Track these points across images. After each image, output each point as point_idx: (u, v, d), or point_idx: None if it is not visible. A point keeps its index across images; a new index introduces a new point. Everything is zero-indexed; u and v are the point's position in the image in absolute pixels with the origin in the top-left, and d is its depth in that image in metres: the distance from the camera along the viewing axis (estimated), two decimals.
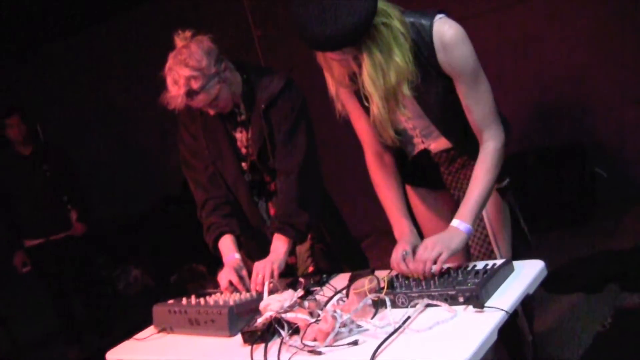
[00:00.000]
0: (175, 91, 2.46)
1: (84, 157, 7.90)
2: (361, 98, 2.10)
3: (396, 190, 2.37)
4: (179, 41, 2.53)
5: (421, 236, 2.59)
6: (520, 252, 2.42)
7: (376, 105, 2.05)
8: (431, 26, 2.09)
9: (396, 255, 2.14)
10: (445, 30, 2.08)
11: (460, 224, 2.13)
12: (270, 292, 2.39)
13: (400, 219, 2.31)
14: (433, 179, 2.50)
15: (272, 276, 2.47)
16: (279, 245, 2.59)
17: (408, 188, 2.61)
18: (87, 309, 5.62)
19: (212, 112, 2.61)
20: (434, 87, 2.15)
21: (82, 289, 5.57)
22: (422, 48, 2.09)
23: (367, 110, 2.13)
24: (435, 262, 2.03)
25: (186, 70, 2.43)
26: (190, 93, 2.46)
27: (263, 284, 2.44)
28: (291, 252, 2.82)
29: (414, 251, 2.15)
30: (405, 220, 2.31)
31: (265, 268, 2.48)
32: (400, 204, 2.35)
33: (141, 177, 7.88)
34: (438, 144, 2.38)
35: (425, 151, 2.41)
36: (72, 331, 5.55)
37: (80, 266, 5.50)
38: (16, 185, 5.27)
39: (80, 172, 5.66)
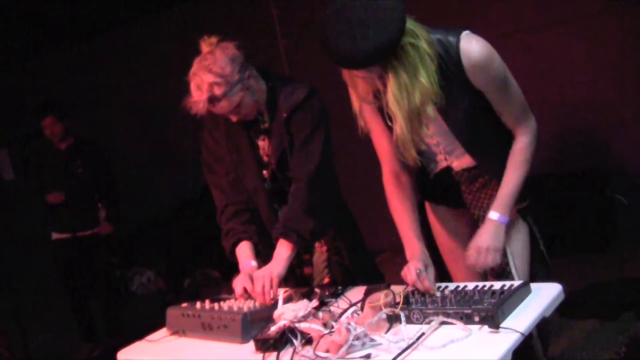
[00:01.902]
0: (197, 96, 2.46)
1: (109, 155, 7.98)
2: (384, 115, 2.10)
3: (410, 211, 2.36)
4: (204, 46, 2.54)
5: (437, 254, 2.59)
6: (538, 274, 2.40)
7: (399, 125, 2.05)
8: (458, 42, 2.09)
9: (410, 273, 2.14)
10: (473, 47, 2.09)
11: (499, 217, 2.24)
12: (285, 301, 2.38)
13: (413, 240, 2.31)
14: (454, 197, 2.49)
15: (271, 287, 2.45)
16: (282, 251, 2.57)
17: (427, 206, 2.61)
18: (102, 307, 5.65)
19: (234, 118, 2.61)
20: (460, 104, 2.16)
21: (100, 287, 5.61)
22: (450, 65, 2.10)
23: (390, 128, 2.13)
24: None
25: (209, 76, 2.44)
26: (213, 99, 2.47)
27: (263, 296, 2.44)
28: (308, 262, 2.82)
29: (426, 269, 2.15)
30: (417, 242, 2.30)
31: (265, 278, 2.46)
32: (414, 225, 2.34)
33: (162, 179, 7.91)
34: (461, 161, 2.37)
35: (448, 169, 2.41)
36: (87, 328, 5.58)
37: (101, 265, 5.54)
38: (50, 177, 5.36)
39: (115, 171, 5.67)
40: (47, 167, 5.40)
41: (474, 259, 2.26)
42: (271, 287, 2.45)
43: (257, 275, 2.50)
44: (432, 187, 2.51)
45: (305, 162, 2.61)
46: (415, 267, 2.14)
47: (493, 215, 2.26)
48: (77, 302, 5.51)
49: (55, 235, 5.44)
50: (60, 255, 5.44)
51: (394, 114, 2.04)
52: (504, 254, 2.37)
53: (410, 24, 1.99)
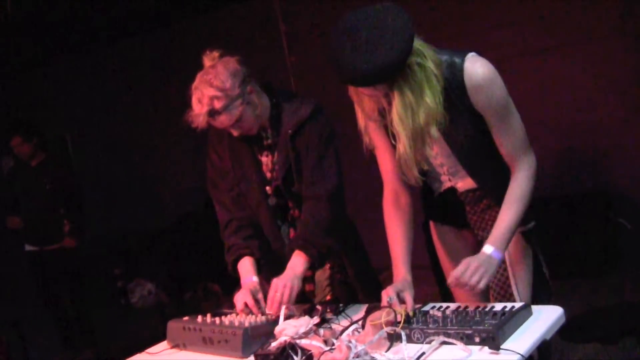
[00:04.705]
0: (198, 110, 2.48)
1: (113, 168, 8.00)
2: (389, 134, 2.12)
3: (404, 235, 2.37)
4: (207, 61, 2.57)
5: (441, 272, 2.59)
6: (540, 297, 2.40)
7: (403, 144, 2.06)
8: (462, 64, 2.10)
9: (382, 300, 2.15)
10: (477, 68, 2.09)
11: (493, 251, 2.13)
12: (286, 317, 2.38)
13: (399, 265, 2.32)
14: (458, 217, 2.49)
15: (288, 299, 2.46)
16: (297, 262, 2.58)
17: (432, 224, 2.61)
18: (74, 317, 5.74)
19: (235, 133, 2.62)
20: (463, 127, 2.16)
21: (78, 299, 5.72)
22: (454, 86, 2.10)
23: (394, 146, 2.14)
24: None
25: (210, 90, 2.46)
26: (212, 112, 2.48)
27: (280, 304, 2.44)
28: (310, 279, 2.82)
29: (399, 296, 2.15)
30: (402, 266, 2.31)
31: (285, 287, 2.47)
32: (404, 250, 2.34)
33: (166, 191, 7.92)
34: (465, 183, 2.37)
35: (452, 189, 2.42)
36: (66, 338, 5.73)
37: (73, 278, 5.66)
38: (21, 192, 5.55)
39: (82, 187, 5.82)
40: (20, 182, 5.57)
41: (459, 272, 2.08)
42: (288, 299, 2.47)
43: (276, 283, 2.50)
44: (437, 206, 2.51)
45: (323, 178, 2.63)
46: (387, 294, 2.15)
47: (487, 249, 2.14)
48: (52, 310, 5.68)
49: (28, 247, 5.60)
50: (32, 266, 5.60)
51: (397, 133, 2.05)
52: (507, 276, 2.38)
53: (418, 44, 2.00)
